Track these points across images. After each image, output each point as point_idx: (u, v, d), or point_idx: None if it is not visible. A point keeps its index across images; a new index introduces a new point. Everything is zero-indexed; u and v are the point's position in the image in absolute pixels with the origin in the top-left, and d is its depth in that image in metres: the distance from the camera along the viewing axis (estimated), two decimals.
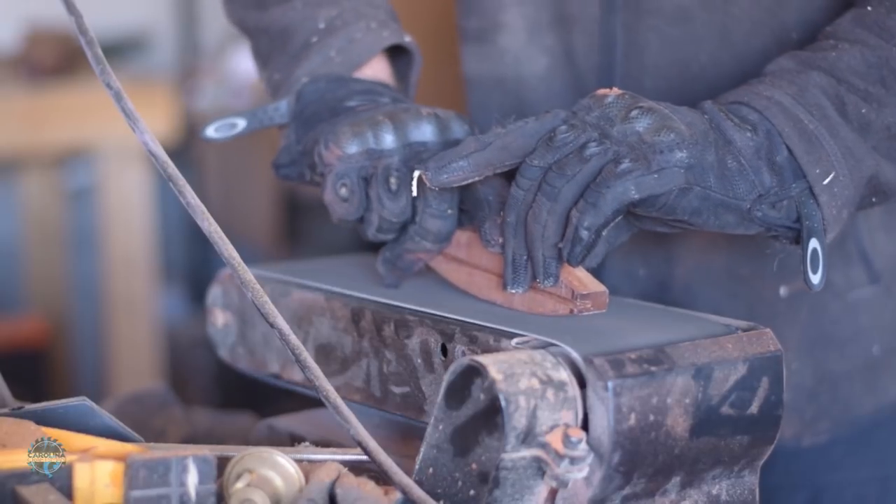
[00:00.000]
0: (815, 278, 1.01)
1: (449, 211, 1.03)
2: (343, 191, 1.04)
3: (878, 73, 1.03)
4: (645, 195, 0.95)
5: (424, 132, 1.05)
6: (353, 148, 1.04)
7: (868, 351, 1.23)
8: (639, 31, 1.16)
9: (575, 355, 0.88)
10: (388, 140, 1.04)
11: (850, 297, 1.21)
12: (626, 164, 0.94)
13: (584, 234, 0.95)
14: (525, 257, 0.98)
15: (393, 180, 1.03)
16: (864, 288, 1.21)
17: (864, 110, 1.02)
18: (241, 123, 1.12)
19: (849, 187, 1.00)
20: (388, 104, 1.10)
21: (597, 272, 1.04)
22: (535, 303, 0.99)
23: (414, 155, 1.04)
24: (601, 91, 1.00)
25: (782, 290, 1.19)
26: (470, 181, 0.99)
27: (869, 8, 1.05)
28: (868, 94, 1.02)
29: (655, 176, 0.95)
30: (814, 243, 1.00)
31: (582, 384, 0.88)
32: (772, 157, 0.99)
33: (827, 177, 0.99)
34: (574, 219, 0.95)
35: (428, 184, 1.00)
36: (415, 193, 1.03)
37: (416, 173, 1.03)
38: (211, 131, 1.12)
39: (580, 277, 0.97)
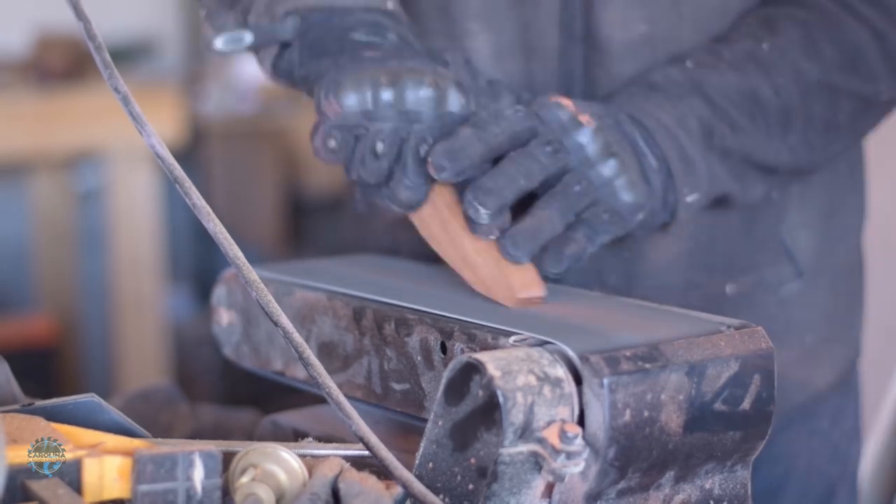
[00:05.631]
0: None
1: (423, 185, 1.08)
2: (332, 143, 1.07)
3: (749, 105, 1.15)
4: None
5: (421, 102, 1.07)
6: (350, 106, 1.06)
7: (801, 342, 1.28)
8: (595, 64, 1.19)
9: (571, 353, 0.89)
10: (386, 104, 1.07)
11: (782, 292, 1.27)
12: (605, 218, 1.07)
13: (567, 261, 1.06)
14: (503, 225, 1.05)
15: (380, 145, 1.07)
16: (792, 283, 1.28)
17: (727, 141, 1.14)
18: (248, 37, 1.13)
19: (702, 202, 1.14)
20: (393, 45, 1.11)
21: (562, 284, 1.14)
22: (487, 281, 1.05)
23: (406, 122, 1.07)
24: (581, 117, 1.08)
25: (728, 288, 1.25)
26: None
27: (764, 45, 1.16)
28: (735, 123, 1.14)
29: (621, 228, 1.09)
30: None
31: (578, 381, 0.89)
32: (665, 185, 1.11)
33: (692, 196, 1.12)
34: (573, 242, 1.06)
35: (434, 175, 1.05)
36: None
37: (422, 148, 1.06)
38: (219, 44, 1.13)
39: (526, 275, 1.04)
